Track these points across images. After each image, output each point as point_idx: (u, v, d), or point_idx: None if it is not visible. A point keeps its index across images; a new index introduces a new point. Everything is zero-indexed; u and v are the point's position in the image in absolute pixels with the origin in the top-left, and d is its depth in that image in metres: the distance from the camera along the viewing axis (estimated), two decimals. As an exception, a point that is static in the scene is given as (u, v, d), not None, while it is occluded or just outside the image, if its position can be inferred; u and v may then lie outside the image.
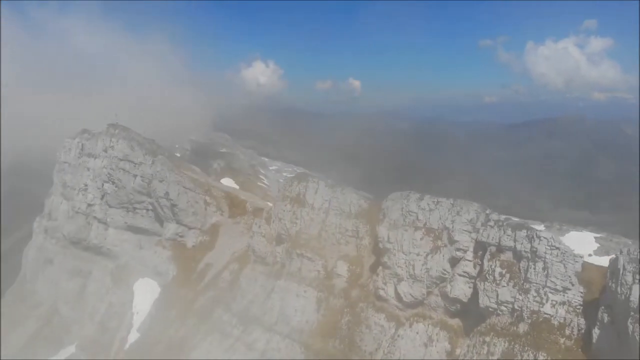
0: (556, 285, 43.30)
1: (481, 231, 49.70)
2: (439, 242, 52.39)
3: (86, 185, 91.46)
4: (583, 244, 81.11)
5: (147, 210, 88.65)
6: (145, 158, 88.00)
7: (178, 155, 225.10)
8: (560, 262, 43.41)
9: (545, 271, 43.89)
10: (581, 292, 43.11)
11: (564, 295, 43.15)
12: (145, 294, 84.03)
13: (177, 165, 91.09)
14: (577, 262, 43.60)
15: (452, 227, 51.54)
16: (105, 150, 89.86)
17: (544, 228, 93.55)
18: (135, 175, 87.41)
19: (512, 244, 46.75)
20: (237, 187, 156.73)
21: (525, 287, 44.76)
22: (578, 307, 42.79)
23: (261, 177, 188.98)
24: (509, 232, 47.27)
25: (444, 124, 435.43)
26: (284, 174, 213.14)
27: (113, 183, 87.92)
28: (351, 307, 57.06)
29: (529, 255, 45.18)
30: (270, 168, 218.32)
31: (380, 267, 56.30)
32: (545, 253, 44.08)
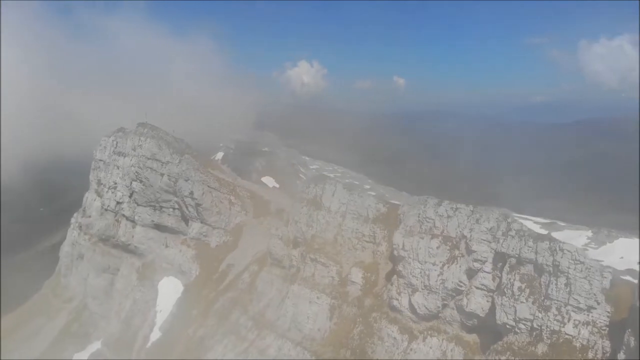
0: (579, 303, 39.51)
1: (501, 241, 46.24)
2: (456, 252, 49.27)
3: (115, 183, 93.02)
4: (632, 251, 75.61)
5: (174, 209, 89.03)
6: (172, 157, 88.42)
7: (222, 153, 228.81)
8: (585, 278, 39.59)
9: (568, 287, 40.15)
10: (608, 312, 39.15)
11: (588, 315, 39.31)
12: (169, 293, 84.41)
13: (204, 165, 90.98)
14: (604, 277, 39.65)
15: (470, 236, 48.31)
16: (134, 149, 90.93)
17: (591, 234, 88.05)
18: (162, 174, 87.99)
19: (533, 256, 43.16)
20: (277, 185, 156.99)
21: (545, 304, 41.14)
22: (603, 328, 38.87)
23: (301, 175, 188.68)
24: (530, 243, 43.68)
25: (490, 124, 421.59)
26: (324, 173, 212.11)
27: (141, 181, 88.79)
28: (364, 317, 54.67)
29: (551, 269, 41.52)
30: (311, 167, 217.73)
31: (395, 276, 53.66)
32: (569, 268, 40.35)
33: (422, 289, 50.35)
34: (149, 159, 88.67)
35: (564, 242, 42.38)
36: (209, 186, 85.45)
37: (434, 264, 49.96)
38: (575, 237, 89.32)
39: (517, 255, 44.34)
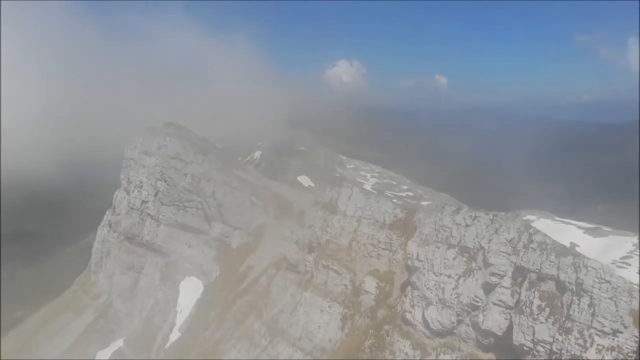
0: (604, 326, 35.58)
1: (521, 254, 42.56)
2: (473, 264, 45.86)
3: (141, 182, 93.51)
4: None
5: (197, 209, 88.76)
6: (195, 157, 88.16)
7: (259, 152, 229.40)
8: (611, 298, 35.61)
9: (592, 309, 36.25)
10: (636, 337, 35.01)
11: (613, 340, 35.33)
12: (189, 293, 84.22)
13: (228, 165, 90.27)
14: (633, 298, 35.53)
15: (489, 247, 44.80)
16: (159, 149, 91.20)
17: (637, 240, 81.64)
18: (185, 174, 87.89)
19: (555, 272, 39.37)
20: (312, 185, 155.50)
21: (566, 326, 37.34)
22: (630, 354, 34.80)
23: (337, 175, 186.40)
24: (552, 257, 39.87)
25: (537, 123, 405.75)
26: (361, 172, 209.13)
27: (165, 181, 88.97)
28: (376, 329, 51.96)
29: (574, 287, 37.68)
30: (348, 166, 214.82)
31: (409, 287, 50.68)
32: (593, 287, 36.43)
33: (437, 302, 47.22)
34: (173, 158, 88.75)
35: (588, 259, 38.37)
36: (230, 187, 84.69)
37: (449, 276, 46.74)
38: (620, 244, 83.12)
39: (537, 271, 40.62)
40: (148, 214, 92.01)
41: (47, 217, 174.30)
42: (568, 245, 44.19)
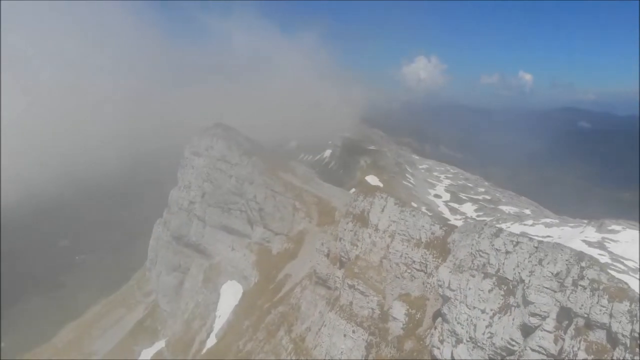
0: (665, 399, 27.87)
1: (568, 292, 35.10)
2: (511, 299, 38.83)
3: (190, 183, 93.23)
4: None
5: (241, 211, 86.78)
6: (241, 159, 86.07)
7: (330, 151, 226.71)
8: (677, 365, 27.79)
9: (651, 374, 28.60)
10: None
11: (678, 418, 27.58)
12: (230, 297, 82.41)
13: (272, 167, 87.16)
14: None
15: (529, 281, 37.61)
16: (207, 150, 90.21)
17: None
18: (230, 176, 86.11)
19: (606, 320, 31.75)
20: (380, 185, 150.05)
21: (617, 391, 29.91)
22: None
23: (407, 175, 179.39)
24: (605, 301, 32.25)
25: (630, 122, 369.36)
26: (434, 173, 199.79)
27: (211, 182, 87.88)
28: (401, 362, 46.25)
29: (628, 341, 30.05)
30: (420, 167, 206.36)
31: (440, 319, 44.38)
32: (654, 346, 28.72)
33: (467, 340, 40.66)
34: (218, 160, 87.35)
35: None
36: (272, 190, 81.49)
37: (483, 311, 39.99)
38: None
39: (586, 315, 33.14)
40: (195, 215, 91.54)
41: (125, 207, 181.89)
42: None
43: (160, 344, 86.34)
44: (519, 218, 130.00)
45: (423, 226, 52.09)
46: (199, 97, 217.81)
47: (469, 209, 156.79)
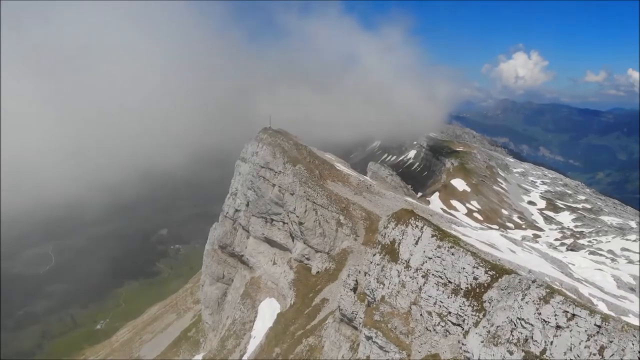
0: None
1: (629, 398, 24.15)
2: (552, 392, 28.20)
3: (236, 190, 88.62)
4: None
5: (284, 223, 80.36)
6: (285, 167, 79.50)
7: (414, 151, 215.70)
8: None
9: None
10: None
11: None
12: (266, 317, 76.56)
13: (319, 177, 79.53)
14: None
15: (578, 372, 26.82)
16: (252, 156, 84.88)
17: None
18: (273, 185, 80.00)
19: None
20: (468, 189, 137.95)
21: None
22: None
23: (499, 180, 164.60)
24: None
25: None
26: (530, 178, 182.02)
27: (254, 191, 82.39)
28: None
29: None
30: (515, 170, 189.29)
31: (463, 396, 34.44)
32: None
33: None
34: (262, 167, 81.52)
35: None
36: (314, 202, 73.87)
37: (512, 400, 29.74)
38: None
39: None
40: (240, 224, 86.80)
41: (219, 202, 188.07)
42: None
43: (197, 358, 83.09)
44: (621, 231, 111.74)
45: (464, 268, 41.32)
46: (284, 97, 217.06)
47: (565, 218, 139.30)
